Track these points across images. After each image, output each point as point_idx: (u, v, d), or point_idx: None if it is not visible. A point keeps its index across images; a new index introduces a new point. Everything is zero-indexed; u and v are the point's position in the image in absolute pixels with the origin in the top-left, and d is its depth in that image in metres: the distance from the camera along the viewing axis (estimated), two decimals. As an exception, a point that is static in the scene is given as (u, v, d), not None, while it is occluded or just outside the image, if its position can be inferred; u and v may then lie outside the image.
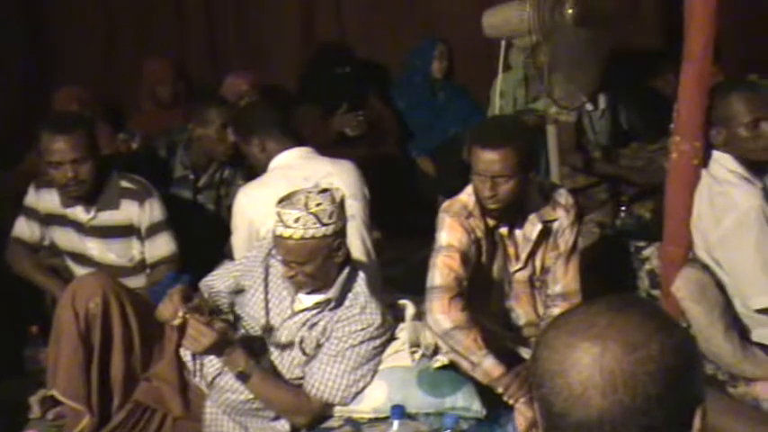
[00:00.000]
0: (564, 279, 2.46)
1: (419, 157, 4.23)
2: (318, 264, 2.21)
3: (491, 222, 2.40)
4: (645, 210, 3.41)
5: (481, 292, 2.44)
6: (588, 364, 0.93)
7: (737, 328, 2.48)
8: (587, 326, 0.96)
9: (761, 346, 2.47)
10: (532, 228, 2.41)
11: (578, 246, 2.49)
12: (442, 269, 2.30)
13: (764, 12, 3.97)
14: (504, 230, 2.42)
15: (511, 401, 2.23)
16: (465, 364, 2.27)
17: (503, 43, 3.01)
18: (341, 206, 2.24)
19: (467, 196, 2.41)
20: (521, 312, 2.51)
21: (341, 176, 2.70)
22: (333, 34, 4.51)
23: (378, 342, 2.32)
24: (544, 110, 3.19)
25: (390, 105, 4.31)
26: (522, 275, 2.47)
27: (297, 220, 2.15)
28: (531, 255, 2.45)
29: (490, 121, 2.94)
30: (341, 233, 2.25)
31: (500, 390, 2.24)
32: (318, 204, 2.18)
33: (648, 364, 0.92)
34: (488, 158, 2.25)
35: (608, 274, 2.85)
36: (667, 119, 2.62)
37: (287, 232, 2.17)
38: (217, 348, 2.20)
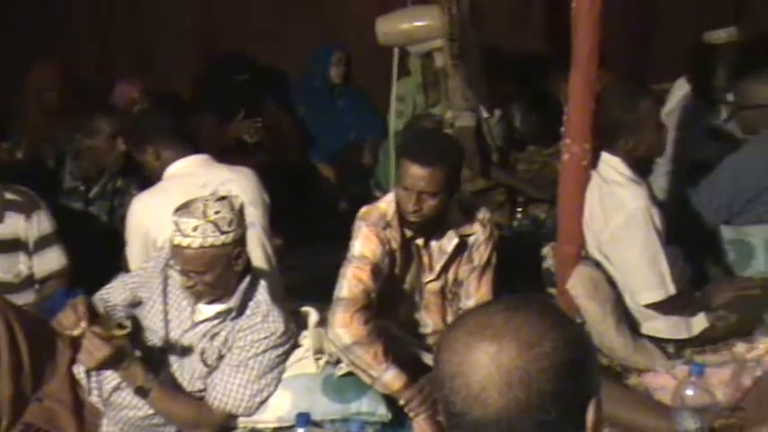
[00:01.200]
0: (476, 294, 2.47)
1: (320, 162, 4.22)
2: (218, 273, 2.16)
3: (408, 233, 2.39)
4: (540, 211, 3.51)
5: (392, 300, 2.43)
6: (486, 364, 0.95)
7: (628, 321, 2.59)
8: (485, 326, 0.98)
9: (650, 338, 2.59)
10: (449, 241, 2.41)
11: (493, 261, 2.49)
12: (351, 281, 2.27)
13: (648, 21, 4.18)
14: (419, 241, 2.42)
15: (411, 415, 2.24)
16: (365, 378, 2.26)
17: (395, 50, 3.04)
18: (240, 213, 2.21)
19: (386, 204, 2.38)
20: (429, 322, 2.52)
21: (239, 183, 2.66)
22: (230, 40, 4.44)
23: (281, 350, 2.29)
24: (442, 114, 3.24)
25: (290, 112, 4.29)
26: (434, 286, 2.47)
27: (195, 229, 2.10)
28: (445, 267, 2.45)
29: (423, 135, 2.75)
30: (241, 241, 2.21)
31: (401, 403, 2.25)
32: (217, 212, 2.13)
33: (543, 361, 0.95)
34: (417, 174, 2.22)
35: (507, 274, 2.91)
36: (559, 123, 2.71)
37: (185, 241, 2.11)
38: (113, 363, 2.12)
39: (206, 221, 2.11)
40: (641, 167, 2.66)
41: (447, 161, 2.27)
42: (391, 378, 2.23)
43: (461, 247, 2.44)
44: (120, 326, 2.16)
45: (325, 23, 4.45)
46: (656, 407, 2.16)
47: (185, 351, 2.26)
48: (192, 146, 2.76)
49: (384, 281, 2.34)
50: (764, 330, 2.27)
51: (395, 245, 2.36)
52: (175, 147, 2.71)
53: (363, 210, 2.41)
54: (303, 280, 3.00)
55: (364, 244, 2.32)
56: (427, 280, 2.46)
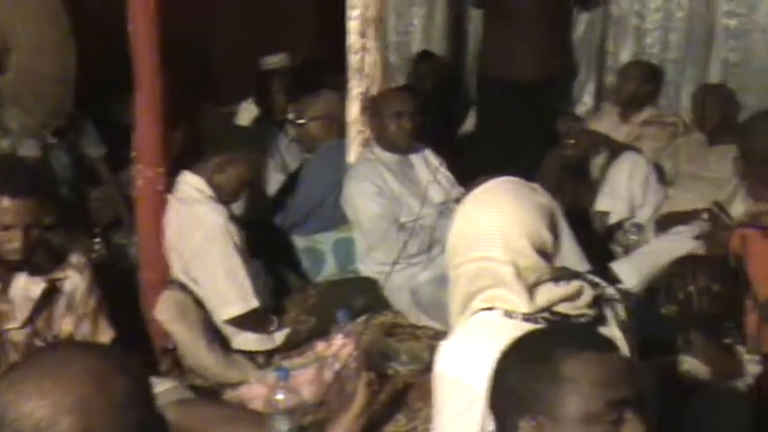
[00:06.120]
0: (99, 335, 2.29)
1: None
2: None
3: None
4: (121, 236, 3.36)
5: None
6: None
7: (219, 339, 2.64)
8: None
9: (241, 351, 2.67)
10: (36, 287, 2.18)
11: (102, 302, 2.33)
12: None
13: (208, 45, 4.30)
14: None
15: None
16: None
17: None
18: None
19: None
20: None
21: None
22: None
23: None
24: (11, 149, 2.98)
25: None
26: (19, 335, 2.20)
27: None
28: (34, 314, 2.20)
29: (5, 167, 2.40)
30: None
31: None
32: None
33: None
34: (19, 208, 2.05)
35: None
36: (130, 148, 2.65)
37: None
38: None
39: None
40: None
41: (40, 188, 2.17)
42: None
43: (52, 293, 2.23)
44: None
45: None
46: (249, 417, 2.23)
47: None
48: None
49: None
50: (338, 328, 2.49)
51: None
52: None
53: None
54: None
55: None
56: (9, 328, 2.18)
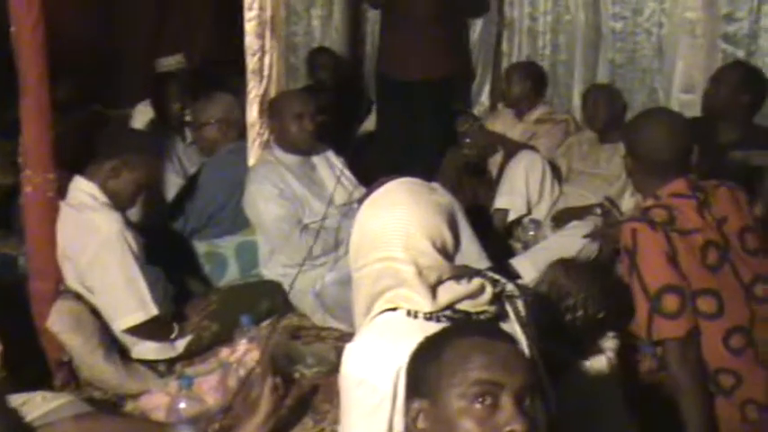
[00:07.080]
0: None
1: None
2: None
3: None
4: (9, 248, 3.22)
5: None
6: None
7: (117, 348, 2.56)
8: None
9: (141, 361, 2.60)
10: None
11: None
12: None
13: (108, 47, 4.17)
14: None
15: None
16: None
17: None
18: None
19: None
20: None
21: None
22: None
23: None
24: None
25: None
26: None
27: None
28: None
29: None
30: None
31: None
32: None
33: None
34: None
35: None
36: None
37: None
38: None
39: None
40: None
41: None
42: None
43: None
44: None
45: None
46: (151, 428, 2.18)
47: None
48: None
49: None
50: (242, 333, 2.46)
51: None
52: None
53: None
54: None
55: None
56: None
